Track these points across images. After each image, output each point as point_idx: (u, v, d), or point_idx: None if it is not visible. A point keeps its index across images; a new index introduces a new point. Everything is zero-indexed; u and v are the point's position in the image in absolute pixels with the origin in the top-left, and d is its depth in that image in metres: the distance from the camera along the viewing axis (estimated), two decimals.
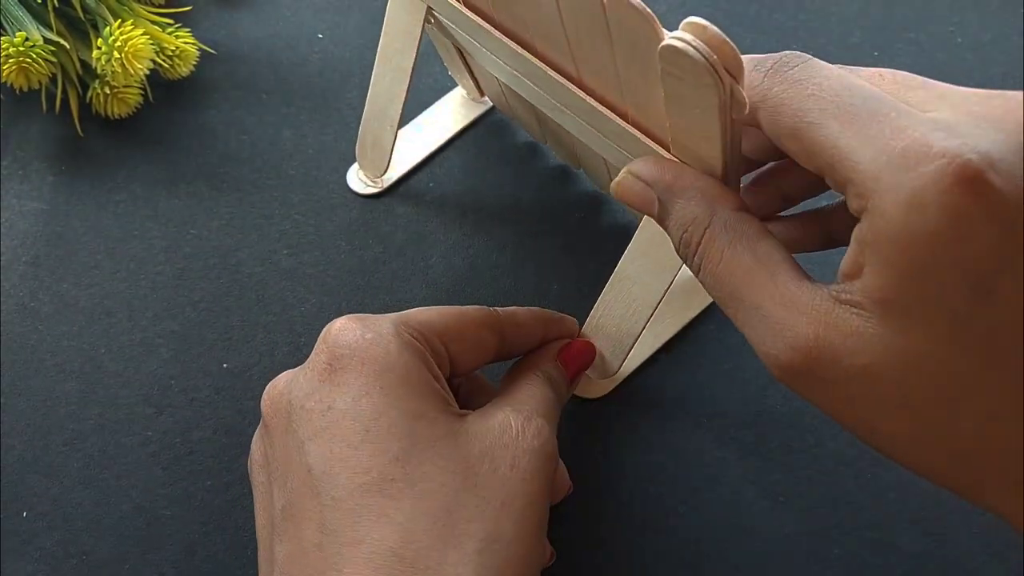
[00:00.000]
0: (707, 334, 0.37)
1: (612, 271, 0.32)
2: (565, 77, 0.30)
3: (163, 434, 0.35)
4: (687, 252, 0.25)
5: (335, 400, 0.25)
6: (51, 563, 0.33)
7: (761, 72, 0.23)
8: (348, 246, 0.39)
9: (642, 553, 0.33)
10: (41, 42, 0.39)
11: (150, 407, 0.36)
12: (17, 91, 0.41)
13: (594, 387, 0.36)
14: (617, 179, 0.27)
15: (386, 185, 0.41)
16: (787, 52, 0.23)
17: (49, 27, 0.40)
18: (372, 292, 0.38)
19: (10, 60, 0.39)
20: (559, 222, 0.40)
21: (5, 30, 0.40)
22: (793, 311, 0.22)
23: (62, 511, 0.34)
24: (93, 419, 0.35)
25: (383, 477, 0.23)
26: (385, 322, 0.27)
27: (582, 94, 0.29)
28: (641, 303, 0.32)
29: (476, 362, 0.30)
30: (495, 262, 0.39)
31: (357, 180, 0.41)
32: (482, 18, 0.32)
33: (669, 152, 0.27)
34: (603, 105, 0.29)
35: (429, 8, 0.34)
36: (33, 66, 0.39)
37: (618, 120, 0.28)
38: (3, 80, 0.40)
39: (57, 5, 0.40)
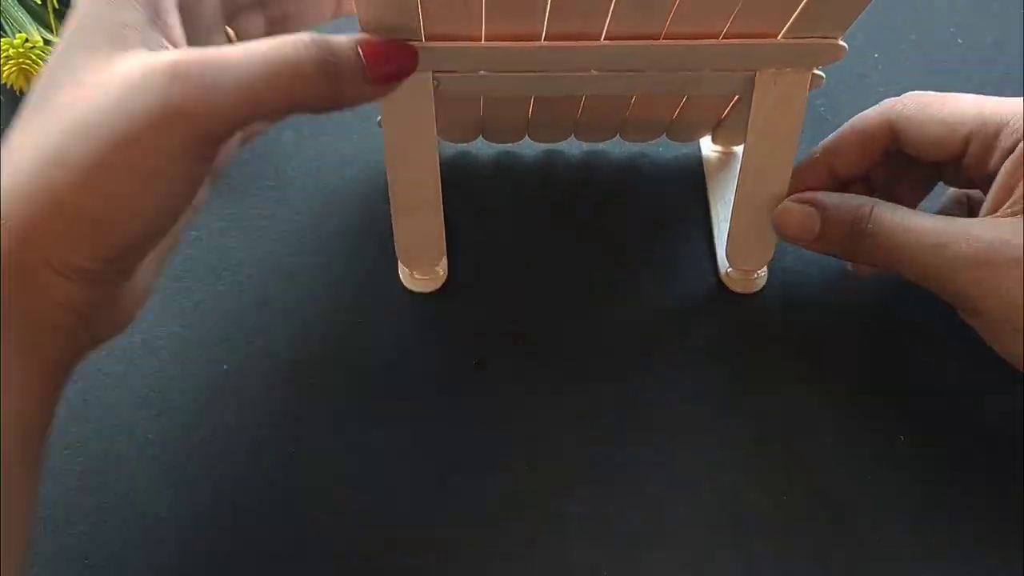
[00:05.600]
0: (708, 334, 0.37)
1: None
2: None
3: (163, 436, 0.35)
4: (858, 229, 0.33)
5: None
6: (52, 569, 0.33)
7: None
8: (349, 246, 0.39)
9: (642, 553, 0.33)
10: (41, 43, 0.39)
11: (150, 409, 0.36)
12: (17, 92, 0.41)
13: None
14: (777, 211, 0.35)
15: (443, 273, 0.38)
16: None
17: (49, 28, 0.41)
18: (376, 289, 0.39)
19: (10, 61, 0.39)
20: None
21: (5, 31, 0.40)
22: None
23: (63, 516, 0.34)
24: (93, 422, 0.35)
25: (40, 99, 0.29)
26: None
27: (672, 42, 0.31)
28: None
29: None
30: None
31: (414, 280, 0.38)
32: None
33: (778, 37, 0.31)
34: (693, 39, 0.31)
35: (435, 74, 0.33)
36: (33, 67, 0.39)
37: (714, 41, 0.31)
38: (3, 81, 0.40)
39: (57, 6, 0.40)
